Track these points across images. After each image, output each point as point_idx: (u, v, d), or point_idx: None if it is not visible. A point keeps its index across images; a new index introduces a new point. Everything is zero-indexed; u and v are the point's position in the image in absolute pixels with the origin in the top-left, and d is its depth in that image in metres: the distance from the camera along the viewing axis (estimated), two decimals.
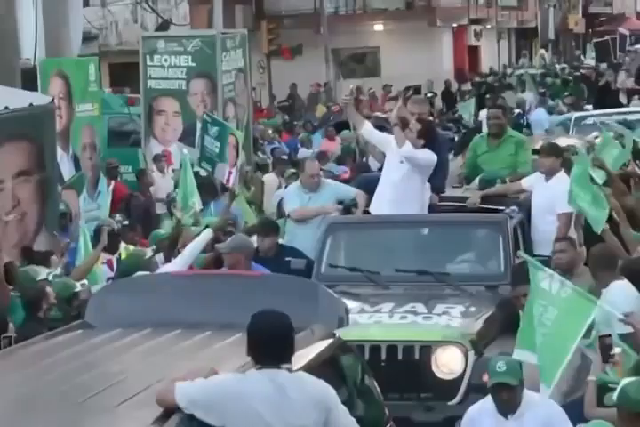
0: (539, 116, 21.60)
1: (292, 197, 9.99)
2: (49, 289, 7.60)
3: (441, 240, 8.80)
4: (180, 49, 15.51)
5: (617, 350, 6.10)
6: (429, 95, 28.69)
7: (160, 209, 13.56)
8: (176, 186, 13.05)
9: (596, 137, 12.86)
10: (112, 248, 9.74)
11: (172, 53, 15.50)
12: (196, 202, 10.72)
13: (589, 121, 16.83)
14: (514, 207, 9.14)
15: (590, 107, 21.89)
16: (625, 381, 5.26)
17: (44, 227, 10.46)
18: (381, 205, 9.14)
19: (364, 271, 8.43)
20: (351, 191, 9.78)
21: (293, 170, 13.25)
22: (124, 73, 20.93)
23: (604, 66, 33.59)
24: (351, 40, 32.01)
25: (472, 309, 8.05)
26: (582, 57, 41.80)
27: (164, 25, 24.28)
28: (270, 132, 19.86)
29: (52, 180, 10.93)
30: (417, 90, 30.13)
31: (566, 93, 24.71)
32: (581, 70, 31.23)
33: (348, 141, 17.08)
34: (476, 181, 9.81)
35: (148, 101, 15.66)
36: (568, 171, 9.13)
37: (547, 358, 5.89)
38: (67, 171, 12.85)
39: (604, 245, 8.14)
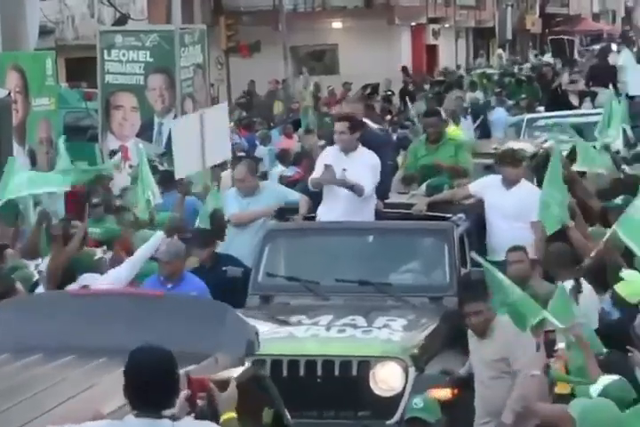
0: (498, 115, 21.44)
1: (230, 201, 9.59)
2: (19, 285, 7.47)
3: (384, 249, 8.43)
4: (137, 44, 15.41)
5: (561, 345, 6.22)
6: (387, 93, 28.83)
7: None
8: (133, 182, 12.98)
9: (545, 140, 12.73)
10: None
11: (130, 48, 15.40)
12: (151, 195, 10.62)
13: (541, 123, 16.73)
14: (461, 215, 8.79)
15: (542, 109, 21.75)
16: (606, 380, 5.31)
17: None
18: (330, 216, 8.75)
19: (302, 281, 8.09)
20: (294, 195, 9.37)
21: None
22: (81, 67, 20.78)
23: (559, 65, 33.86)
24: (310, 37, 32.02)
25: (415, 321, 7.75)
26: (539, 56, 42.07)
27: (122, 19, 24.12)
28: (231, 124, 19.81)
29: None
30: (375, 88, 30.24)
31: (522, 96, 24.56)
32: (539, 69, 31.18)
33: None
34: (423, 187, 9.54)
35: (105, 96, 15.55)
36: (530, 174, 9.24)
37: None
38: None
39: (561, 244, 8.19)
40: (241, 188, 9.49)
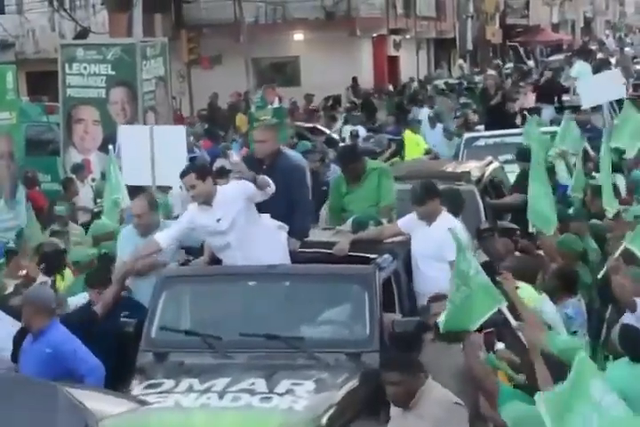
0: (437, 136, 19.15)
1: (124, 242, 8.19)
2: None
3: (296, 297, 7.34)
4: (99, 57, 15.41)
5: (500, 345, 6.46)
6: (348, 105, 28.91)
7: (82, 218, 13.44)
8: (97, 196, 12.92)
9: (490, 162, 11.91)
10: (50, 269, 8.84)
11: (92, 62, 15.39)
12: (121, 198, 10.55)
13: (481, 143, 15.61)
14: (386, 256, 7.68)
15: (482, 127, 19.55)
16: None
17: None
18: (235, 256, 7.54)
19: (202, 336, 7.01)
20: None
21: None
22: (42, 81, 20.72)
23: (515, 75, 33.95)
24: (271, 49, 32.05)
25: (326, 384, 6.60)
26: (500, 63, 42.30)
27: (83, 33, 24.09)
28: (191, 139, 19.80)
29: None
30: (336, 99, 30.31)
31: (457, 114, 22.56)
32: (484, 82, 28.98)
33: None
34: (349, 222, 8.48)
35: (67, 110, 15.53)
36: (456, 209, 8.29)
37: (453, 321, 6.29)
38: None
39: (520, 257, 8.21)
40: (139, 225, 8.14)
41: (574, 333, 7.53)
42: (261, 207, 7.57)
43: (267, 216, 7.62)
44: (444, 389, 5.86)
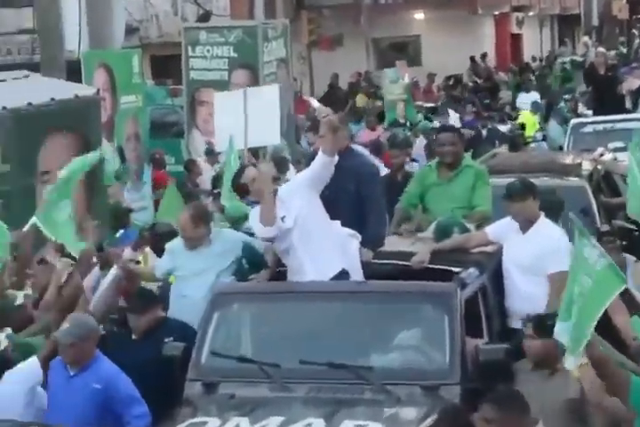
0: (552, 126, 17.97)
1: (170, 256, 7.32)
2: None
3: (363, 320, 6.37)
4: (221, 40, 15.56)
5: None
6: (473, 83, 28.63)
7: (205, 200, 13.63)
8: (216, 178, 13.08)
9: (603, 153, 10.77)
10: (160, 250, 7.99)
11: (214, 44, 15.56)
12: None
13: (588, 129, 14.39)
14: (472, 269, 6.69)
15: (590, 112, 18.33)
16: None
17: (91, 218, 10.53)
18: (299, 268, 6.72)
19: (257, 363, 6.15)
20: (258, 245, 7.10)
21: None
22: (166, 65, 21.03)
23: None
24: (391, 29, 31.92)
25: (397, 425, 5.73)
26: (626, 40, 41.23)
27: (205, 16, 24.35)
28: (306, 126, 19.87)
29: (99, 171, 11.02)
30: (458, 79, 30.06)
31: (566, 97, 21.31)
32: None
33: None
34: (431, 228, 7.45)
35: (190, 92, 15.74)
36: (553, 212, 7.15)
37: (576, 329, 5.36)
38: (112, 162, 12.96)
39: None
40: (184, 239, 7.25)
41: None
42: (330, 214, 6.77)
43: (337, 223, 6.80)
44: None
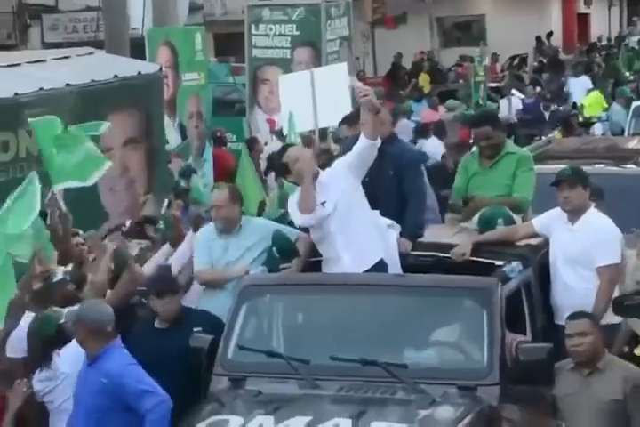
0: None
1: (201, 245, 6.83)
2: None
3: (398, 315, 6.06)
4: (284, 18, 15.54)
5: None
6: (536, 64, 28.32)
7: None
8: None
9: None
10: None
11: (277, 22, 15.55)
12: None
13: None
14: (515, 263, 6.36)
15: None
16: None
17: (152, 194, 10.63)
18: (336, 265, 6.42)
19: (286, 358, 5.85)
20: (290, 233, 6.73)
21: None
22: (229, 43, 21.09)
23: None
24: (456, 8, 31.69)
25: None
26: None
27: None
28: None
29: (160, 147, 11.10)
30: (523, 59, 29.75)
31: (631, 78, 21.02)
32: None
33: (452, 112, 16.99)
34: (475, 218, 7.08)
35: (252, 70, 15.76)
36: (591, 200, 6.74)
37: None
38: (173, 139, 13.04)
39: None
40: (218, 219, 6.81)
41: None
42: (369, 201, 6.54)
43: (376, 213, 6.58)
44: None
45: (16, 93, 9.43)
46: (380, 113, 6.42)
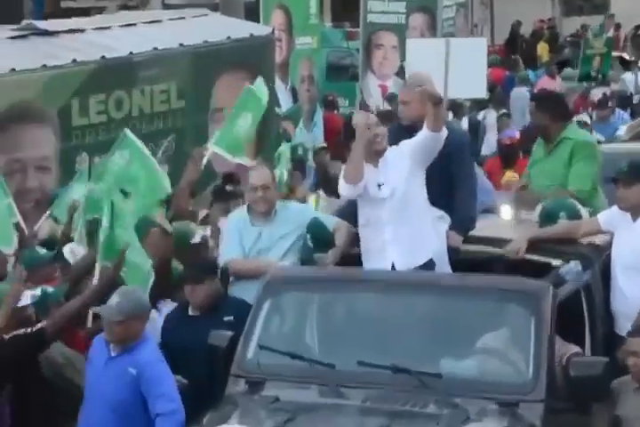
0: None
1: (232, 233, 6.28)
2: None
3: (435, 319, 5.45)
4: None
5: None
6: None
7: None
8: None
9: None
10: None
11: None
12: None
13: None
14: (574, 263, 5.68)
15: None
16: None
17: (261, 156, 10.73)
18: (381, 255, 5.82)
19: (310, 361, 5.29)
20: (328, 221, 6.17)
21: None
22: (344, 8, 21.08)
23: None
24: None
25: None
26: None
27: None
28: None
29: (271, 110, 11.18)
30: None
31: None
32: None
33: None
34: (538, 210, 6.34)
35: (367, 36, 15.75)
36: None
37: None
38: (285, 102, 13.13)
39: None
40: (261, 202, 6.21)
41: None
42: None
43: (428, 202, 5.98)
44: None
45: (130, 53, 9.62)
46: (442, 104, 5.77)
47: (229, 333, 5.57)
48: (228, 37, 10.50)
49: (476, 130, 13.27)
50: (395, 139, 5.93)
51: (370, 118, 5.81)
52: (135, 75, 9.61)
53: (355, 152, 5.73)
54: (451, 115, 12.21)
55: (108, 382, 5.33)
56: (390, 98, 14.15)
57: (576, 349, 5.43)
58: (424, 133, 5.72)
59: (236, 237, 6.20)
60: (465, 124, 13.30)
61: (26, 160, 8.78)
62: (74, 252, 6.76)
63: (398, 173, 5.76)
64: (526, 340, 5.17)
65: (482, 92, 11.85)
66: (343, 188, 5.79)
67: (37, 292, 5.89)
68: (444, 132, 5.75)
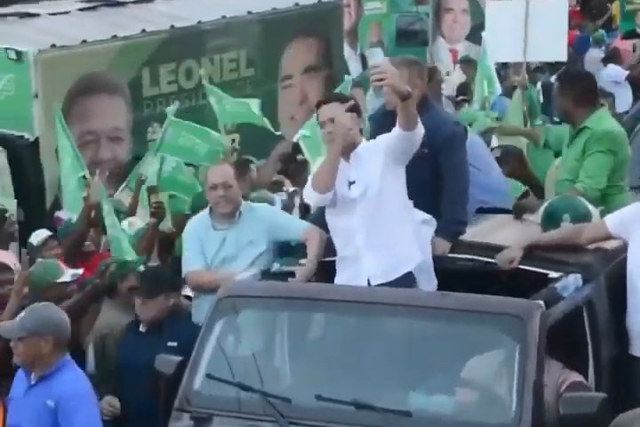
0: None
1: (192, 240, 5.52)
2: None
3: (407, 347, 4.72)
4: None
5: None
6: None
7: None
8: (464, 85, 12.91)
9: None
10: None
11: None
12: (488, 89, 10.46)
13: None
14: (573, 277, 4.83)
15: None
16: None
17: None
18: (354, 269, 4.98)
19: (263, 394, 4.57)
20: (297, 228, 5.43)
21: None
22: None
23: None
24: None
25: None
26: None
27: None
28: None
29: (340, 76, 11.13)
30: None
31: None
32: None
33: None
34: (541, 210, 5.47)
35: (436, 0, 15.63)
36: None
37: None
38: (354, 69, 13.07)
39: None
40: (218, 204, 5.47)
41: None
42: None
43: (410, 204, 5.10)
44: None
45: (199, 21, 9.64)
46: (411, 96, 4.73)
47: (177, 358, 4.85)
48: (296, 4, 10.48)
49: (549, 93, 13.08)
50: (379, 124, 5.27)
51: (351, 117, 4.91)
52: (204, 44, 9.63)
53: (330, 157, 4.90)
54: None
55: (26, 414, 4.71)
56: (463, 60, 14.02)
57: (576, 377, 4.67)
58: (396, 131, 4.85)
59: (197, 245, 5.43)
60: (539, 87, 13.12)
61: (98, 131, 8.87)
62: (131, 224, 6.64)
63: (372, 169, 4.90)
64: (509, 371, 4.39)
65: (562, 56, 11.63)
66: (311, 196, 4.94)
67: (79, 271, 5.70)
68: (420, 130, 4.85)
